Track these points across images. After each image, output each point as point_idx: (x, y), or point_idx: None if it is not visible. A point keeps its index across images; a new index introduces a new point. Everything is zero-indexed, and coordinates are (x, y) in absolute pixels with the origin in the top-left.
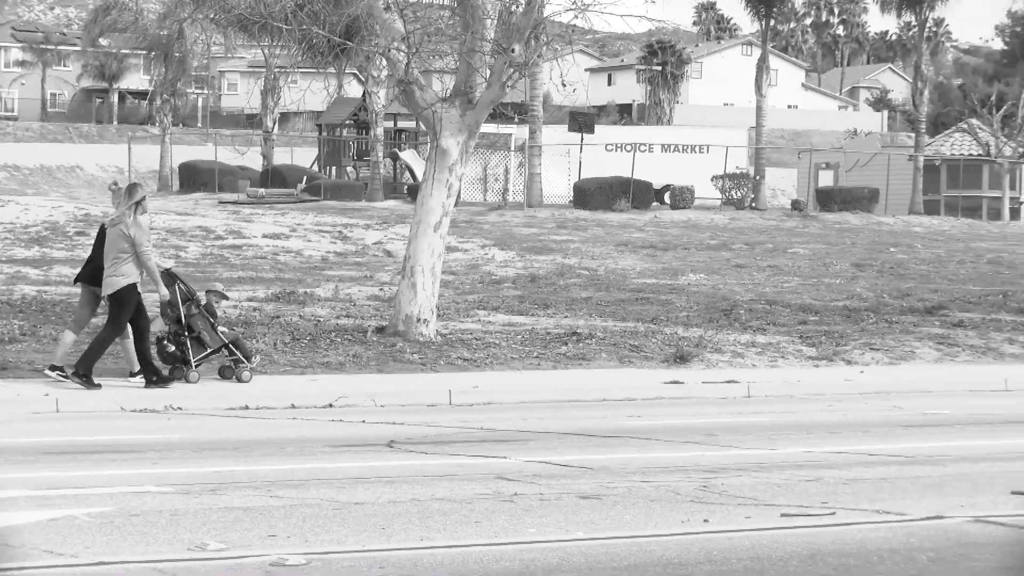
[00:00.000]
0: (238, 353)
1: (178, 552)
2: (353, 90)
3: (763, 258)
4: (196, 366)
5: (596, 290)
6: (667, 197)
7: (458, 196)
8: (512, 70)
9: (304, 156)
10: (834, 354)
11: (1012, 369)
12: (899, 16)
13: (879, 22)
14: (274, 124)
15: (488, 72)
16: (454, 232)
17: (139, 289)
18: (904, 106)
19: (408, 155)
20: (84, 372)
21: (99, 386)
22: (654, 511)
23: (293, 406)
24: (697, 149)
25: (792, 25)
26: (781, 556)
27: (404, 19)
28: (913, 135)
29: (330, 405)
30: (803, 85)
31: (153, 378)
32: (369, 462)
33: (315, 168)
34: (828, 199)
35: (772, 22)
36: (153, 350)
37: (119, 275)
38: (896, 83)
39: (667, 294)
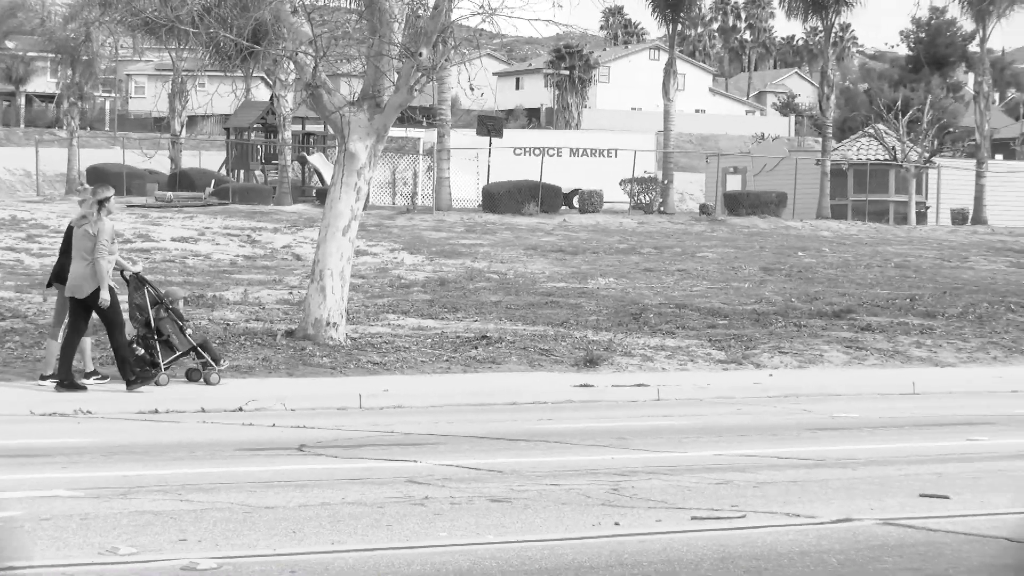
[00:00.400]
0: (206, 356)
1: (89, 556)
2: (261, 94)
3: (672, 262)
4: (165, 369)
5: (506, 294)
6: (576, 201)
7: (367, 200)
8: (420, 74)
9: (212, 160)
10: (743, 358)
11: (920, 372)
12: (805, 21)
13: (785, 27)
14: (182, 127)
15: (396, 76)
16: (363, 236)
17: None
18: (811, 111)
19: (316, 159)
20: (133, 378)
21: (156, 381)
22: (565, 514)
23: (203, 410)
24: (605, 153)
25: (699, 30)
26: (692, 559)
27: (311, 23)
28: (820, 140)
29: (240, 409)
30: (711, 90)
31: (65, 382)
32: (279, 466)
33: (223, 172)
34: (736, 203)
35: (679, 27)
36: None
37: (86, 277)
38: (803, 88)
39: (576, 298)
